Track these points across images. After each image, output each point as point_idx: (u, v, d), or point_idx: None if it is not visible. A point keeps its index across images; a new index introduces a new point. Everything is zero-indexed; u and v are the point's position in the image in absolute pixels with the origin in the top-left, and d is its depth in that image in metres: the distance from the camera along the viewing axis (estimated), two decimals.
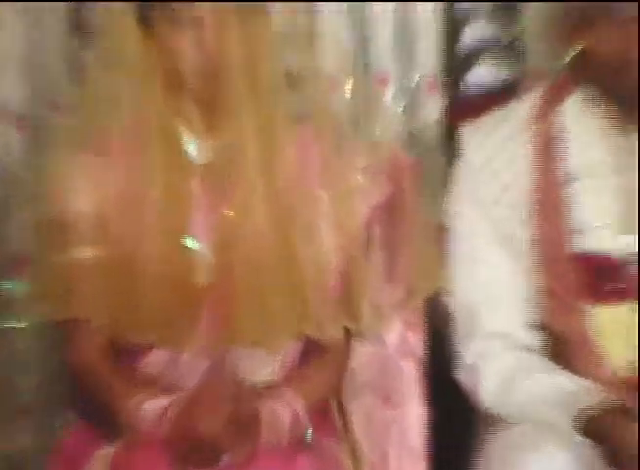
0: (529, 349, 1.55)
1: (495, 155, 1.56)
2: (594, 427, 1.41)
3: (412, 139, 1.90)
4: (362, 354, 1.51)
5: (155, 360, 1.42)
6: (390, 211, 1.48)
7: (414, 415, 1.52)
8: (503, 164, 1.56)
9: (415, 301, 1.51)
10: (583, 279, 1.50)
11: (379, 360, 1.52)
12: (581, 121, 1.54)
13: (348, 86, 1.46)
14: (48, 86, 1.82)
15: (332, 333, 1.43)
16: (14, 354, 1.92)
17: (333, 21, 1.78)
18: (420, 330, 1.53)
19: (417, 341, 1.53)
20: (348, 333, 1.47)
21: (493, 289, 1.56)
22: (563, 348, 1.53)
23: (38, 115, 1.84)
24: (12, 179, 1.72)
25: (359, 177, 1.46)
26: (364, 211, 1.46)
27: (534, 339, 1.56)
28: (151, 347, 1.42)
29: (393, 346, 1.51)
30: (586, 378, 1.49)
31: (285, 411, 1.39)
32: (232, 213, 1.39)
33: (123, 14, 1.37)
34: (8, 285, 1.54)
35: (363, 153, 1.47)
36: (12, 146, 1.90)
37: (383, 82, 1.91)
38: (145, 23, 1.36)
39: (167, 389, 1.40)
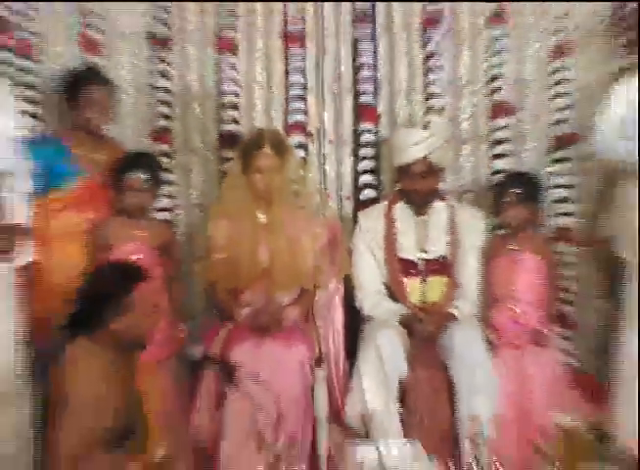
0: (385, 297, 3.82)
1: (372, 225, 3.88)
2: (405, 322, 3.72)
3: (340, 218, 4.19)
4: (320, 294, 3.79)
5: (246, 296, 3.67)
6: (331, 243, 3.82)
7: (339, 319, 3.82)
8: (375, 228, 3.86)
9: (340, 275, 3.82)
10: (402, 268, 3.84)
11: (326, 297, 3.79)
12: (402, 214, 3.87)
13: (318, 198, 3.90)
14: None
15: (309, 286, 3.75)
16: None
17: (315, 165, 4.12)
18: (341, 286, 3.82)
19: (341, 290, 3.82)
20: (315, 286, 3.78)
21: (370, 272, 3.85)
22: (396, 294, 3.82)
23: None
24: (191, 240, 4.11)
25: (318, 230, 3.79)
26: (322, 241, 3.77)
27: (386, 292, 3.84)
28: (244, 290, 3.69)
29: (331, 291, 3.81)
30: (404, 305, 3.80)
31: (293, 312, 3.69)
32: (273, 242, 3.72)
33: (236, 166, 3.81)
34: None
35: (320, 223, 3.85)
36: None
37: (329, 196, 4.19)
38: (244, 171, 3.70)
39: (250, 305, 3.67)
